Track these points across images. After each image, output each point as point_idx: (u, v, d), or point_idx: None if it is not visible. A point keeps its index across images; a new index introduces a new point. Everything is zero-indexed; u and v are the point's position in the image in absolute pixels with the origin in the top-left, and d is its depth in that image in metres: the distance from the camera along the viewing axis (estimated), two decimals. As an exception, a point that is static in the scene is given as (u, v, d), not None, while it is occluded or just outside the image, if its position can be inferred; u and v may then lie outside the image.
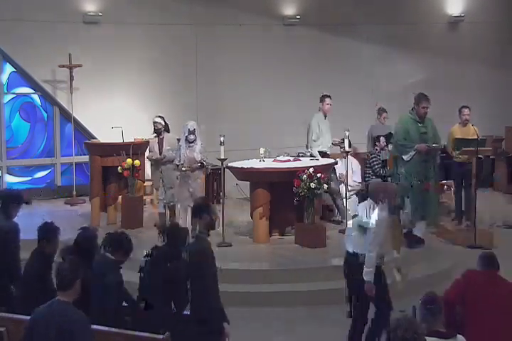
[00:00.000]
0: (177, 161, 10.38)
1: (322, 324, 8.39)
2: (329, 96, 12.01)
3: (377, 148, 12.94)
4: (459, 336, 5.29)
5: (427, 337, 4.84)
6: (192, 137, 10.24)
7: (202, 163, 10.30)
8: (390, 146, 13.46)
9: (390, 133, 13.39)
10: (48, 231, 6.80)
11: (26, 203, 7.53)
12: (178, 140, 10.76)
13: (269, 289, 8.82)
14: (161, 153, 11.06)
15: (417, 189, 10.22)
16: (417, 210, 10.25)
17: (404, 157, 10.17)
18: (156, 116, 11.19)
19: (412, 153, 10.17)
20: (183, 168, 10.21)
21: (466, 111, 12.27)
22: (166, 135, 11.16)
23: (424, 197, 10.29)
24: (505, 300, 6.00)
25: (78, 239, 6.61)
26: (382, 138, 13.00)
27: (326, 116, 11.93)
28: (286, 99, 15.29)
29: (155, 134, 11.21)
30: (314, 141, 11.72)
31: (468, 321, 5.94)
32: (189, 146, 10.27)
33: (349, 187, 11.93)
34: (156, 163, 11.15)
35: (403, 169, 10.25)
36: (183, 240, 6.48)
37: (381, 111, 13.87)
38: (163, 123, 11.13)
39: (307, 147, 11.88)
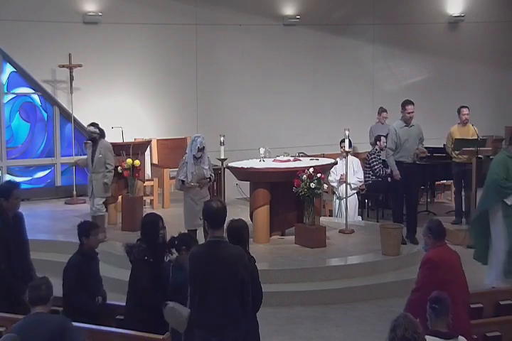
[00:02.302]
0: (182, 177, 9.88)
1: (322, 324, 8.39)
2: (412, 103, 11.11)
3: (377, 148, 12.95)
4: (461, 337, 5.29)
5: (427, 336, 4.85)
6: (200, 154, 9.85)
7: (210, 178, 9.99)
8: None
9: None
10: (85, 229, 6.96)
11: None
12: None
13: (269, 289, 8.82)
14: (93, 161, 10.63)
15: None
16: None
17: (509, 201, 8.63)
18: (89, 125, 10.78)
19: None
20: (192, 184, 9.79)
21: (465, 110, 12.27)
22: (100, 142, 10.67)
23: None
24: (460, 268, 6.32)
25: (142, 220, 6.80)
26: (383, 138, 13.00)
27: (408, 125, 11.02)
28: (286, 98, 15.30)
29: (91, 142, 10.77)
30: (390, 149, 10.99)
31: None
32: (197, 163, 9.87)
33: (352, 185, 11.94)
34: (89, 172, 10.76)
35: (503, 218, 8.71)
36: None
37: (381, 110, 13.90)
38: (98, 130, 10.68)
39: (387, 154, 11.26)
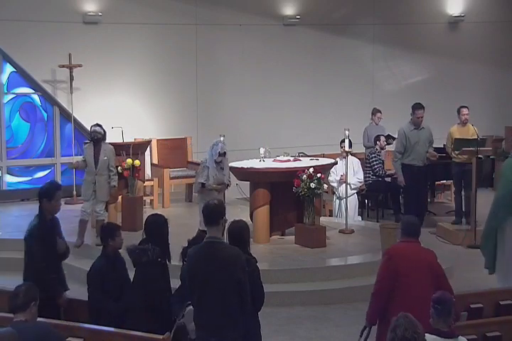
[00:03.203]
0: (202, 180, 9.89)
1: (322, 324, 8.40)
2: (422, 108, 10.97)
3: (377, 148, 12.95)
4: (461, 337, 5.30)
5: (427, 335, 4.86)
6: (220, 159, 9.88)
7: (227, 185, 10.09)
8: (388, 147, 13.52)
9: (389, 134, 13.46)
10: (110, 230, 6.88)
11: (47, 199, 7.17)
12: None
13: (269, 289, 8.82)
14: (96, 163, 10.45)
15: None
16: None
17: None
18: (94, 125, 10.63)
19: None
20: (214, 185, 9.82)
21: (465, 110, 12.26)
22: (103, 144, 10.56)
23: None
24: (427, 266, 6.10)
25: (148, 221, 6.67)
26: (382, 138, 13.01)
27: (418, 128, 10.88)
28: (286, 98, 15.30)
29: (92, 142, 10.59)
30: (398, 152, 10.85)
31: (398, 287, 6.00)
32: (217, 167, 9.88)
33: (352, 186, 11.94)
34: (89, 174, 10.57)
35: None
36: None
37: (375, 111, 13.89)
38: (103, 132, 10.58)
39: (394, 158, 11.11)
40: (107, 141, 10.79)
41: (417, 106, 10.98)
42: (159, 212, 7.13)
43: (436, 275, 6.13)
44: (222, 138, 10.36)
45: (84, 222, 10.58)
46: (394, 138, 13.45)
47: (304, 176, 10.09)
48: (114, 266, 6.79)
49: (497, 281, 8.53)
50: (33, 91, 13.91)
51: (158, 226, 6.59)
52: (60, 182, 13.96)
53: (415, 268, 6.05)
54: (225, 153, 9.88)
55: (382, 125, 13.76)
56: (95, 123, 10.75)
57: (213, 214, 5.64)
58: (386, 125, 13.77)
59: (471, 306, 6.90)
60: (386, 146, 13.27)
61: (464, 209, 12.33)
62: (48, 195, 6.95)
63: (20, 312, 5.31)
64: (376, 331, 6.11)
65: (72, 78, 13.40)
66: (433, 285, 5.98)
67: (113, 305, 6.60)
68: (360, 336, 6.15)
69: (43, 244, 6.87)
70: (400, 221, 6.46)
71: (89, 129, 10.87)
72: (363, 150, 13.73)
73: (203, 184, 9.88)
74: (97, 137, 10.57)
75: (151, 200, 13.06)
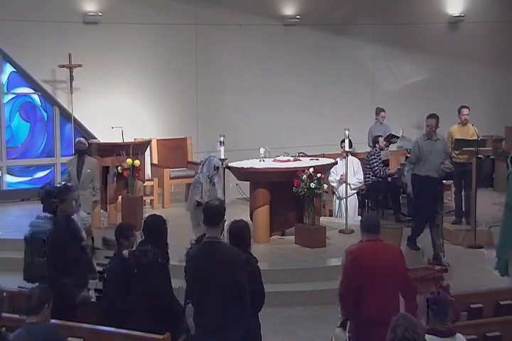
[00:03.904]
0: (197, 198, 9.86)
1: (322, 324, 8.39)
2: (432, 117, 10.53)
3: (377, 149, 12.95)
4: (458, 334, 5.31)
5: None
6: (214, 173, 9.91)
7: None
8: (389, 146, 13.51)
9: (391, 133, 13.45)
10: (125, 231, 6.93)
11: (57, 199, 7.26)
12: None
13: (269, 289, 8.83)
14: (79, 175, 10.48)
15: None
16: None
17: None
18: (81, 137, 10.66)
19: None
20: None
21: (465, 111, 12.27)
22: (86, 157, 10.62)
23: None
24: (391, 265, 6.10)
25: (147, 221, 6.70)
26: (380, 138, 13.01)
27: (431, 138, 10.47)
28: (286, 98, 15.30)
29: (77, 155, 10.64)
30: (410, 162, 10.56)
31: (365, 287, 6.01)
32: (210, 182, 9.88)
33: (352, 186, 11.94)
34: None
35: None
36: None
37: (379, 110, 13.90)
38: (87, 144, 10.64)
39: (406, 169, 10.85)
40: (107, 141, 10.80)
41: (428, 116, 10.70)
42: (159, 213, 7.14)
43: (398, 274, 6.11)
44: (222, 139, 10.35)
45: None
46: (397, 137, 13.47)
47: (304, 176, 10.10)
48: (126, 265, 6.83)
49: (509, 283, 8.53)
50: (33, 92, 13.90)
51: (157, 227, 6.61)
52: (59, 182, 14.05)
53: (380, 268, 6.04)
54: (218, 167, 9.87)
55: (386, 123, 13.79)
56: (82, 135, 10.77)
57: (215, 215, 5.67)
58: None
59: (471, 306, 6.91)
60: (388, 146, 13.28)
61: (464, 209, 12.33)
62: (59, 196, 7.14)
63: (33, 315, 5.35)
64: (350, 330, 6.12)
65: (72, 78, 13.40)
66: (398, 284, 6.01)
67: (122, 304, 6.63)
68: (339, 326, 6.20)
69: (55, 248, 6.96)
70: (360, 221, 6.45)
71: (74, 141, 10.85)
72: (364, 150, 13.74)
73: (198, 202, 9.80)
74: (82, 148, 10.60)
75: (151, 200, 13.06)
